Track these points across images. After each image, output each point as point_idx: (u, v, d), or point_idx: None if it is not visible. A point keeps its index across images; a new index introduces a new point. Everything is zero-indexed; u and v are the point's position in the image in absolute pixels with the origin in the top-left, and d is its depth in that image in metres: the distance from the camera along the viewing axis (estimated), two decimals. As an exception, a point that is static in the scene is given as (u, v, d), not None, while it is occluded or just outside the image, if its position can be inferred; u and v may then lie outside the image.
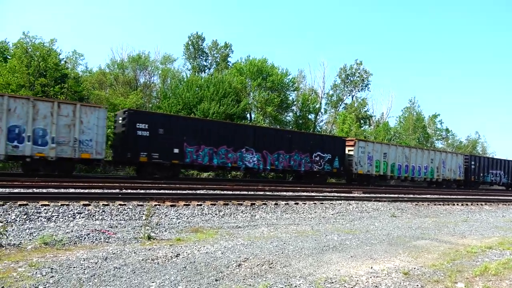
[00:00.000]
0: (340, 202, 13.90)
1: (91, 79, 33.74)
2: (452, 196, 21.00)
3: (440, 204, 16.60)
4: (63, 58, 29.39)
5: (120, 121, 17.99)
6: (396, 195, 18.53)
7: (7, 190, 10.30)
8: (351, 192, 18.33)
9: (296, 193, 15.86)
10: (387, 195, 17.83)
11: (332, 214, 11.95)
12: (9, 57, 27.74)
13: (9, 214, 7.69)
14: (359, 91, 50.27)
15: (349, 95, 50.29)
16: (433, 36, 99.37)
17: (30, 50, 25.55)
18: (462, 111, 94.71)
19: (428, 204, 16.19)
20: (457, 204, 17.34)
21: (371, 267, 5.46)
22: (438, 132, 53.44)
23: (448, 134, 54.27)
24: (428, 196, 20.18)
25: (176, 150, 18.48)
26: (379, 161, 26.66)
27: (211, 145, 19.76)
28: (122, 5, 78.41)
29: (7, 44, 30.37)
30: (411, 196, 19.46)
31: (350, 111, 45.01)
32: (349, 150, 25.43)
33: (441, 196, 20.54)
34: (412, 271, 5.33)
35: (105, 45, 79.87)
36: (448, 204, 16.97)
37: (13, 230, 6.62)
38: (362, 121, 47.14)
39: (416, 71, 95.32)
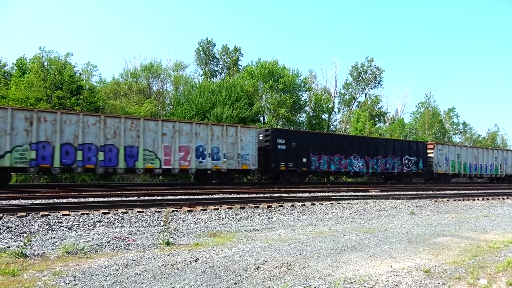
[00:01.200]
0: (357, 201, 13.79)
1: (106, 89, 34.35)
2: (472, 191, 20.59)
3: (460, 200, 16.29)
4: (78, 70, 30.07)
5: (261, 137, 21.76)
6: (414, 192, 18.27)
7: (29, 201, 10.57)
8: (368, 191, 18.16)
9: (312, 194, 15.80)
10: (405, 193, 17.59)
11: (349, 214, 11.86)
12: (27, 72, 28.47)
13: (32, 225, 7.90)
14: (371, 89, 49.86)
15: (362, 93, 49.92)
16: (446, 29, 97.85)
17: (46, 64, 26.19)
18: (478, 104, 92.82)
19: (448, 200, 15.91)
20: (478, 199, 16.98)
21: (391, 266, 5.41)
22: (455, 127, 52.50)
23: (466, 128, 53.27)
24: (447, 192, 19.83)
25: (304, 159, 22.35)
26: (454, 161, 30.67)
27: (328, 154, 23.53)
28: (132, 15, 79.70)
29: (24, 59, 31.19)
30: (430, 192, 19.16)
31: (363, 109, 44.61)
32: (429, 153, 29.20)
33: (461, 192, 20.15)
34: (433, 269, 5.26)
35: (118, 55, 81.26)
36: (469, 199, 16.64)
37: (36, 240, 6.79)
38: (376, 119, 46.66)
39: (430, 65, 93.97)
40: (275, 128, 24.06)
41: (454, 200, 16.07)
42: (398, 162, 26.98)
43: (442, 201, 15.63)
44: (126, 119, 17.23)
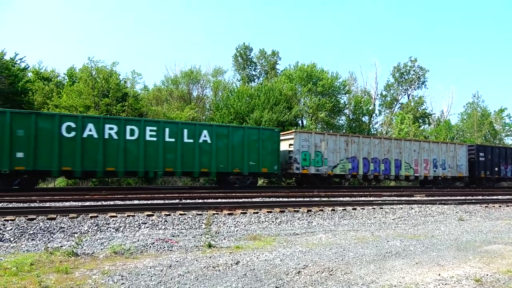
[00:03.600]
0: (401, 206, 13.32)
1: (148, 96, 35.63)
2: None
3: (514, 206, 15.28)
4: (123, 78, 31.44)
5: (468, 151, 27.17)
6: (463, 197, 17.36)
7: (80, 203, 11.16)
8: (412, 196, 17.49)
9: (353, 198, 15.47)
10: (452, 198, 16.77)
11: (393, 219, 11.48)
12: (76, 81, 30.16)
13: (82, 226, 8.32)
14: (415, 89, 48.15)
15: (405, 94, 48.32)
16: (493, 26, 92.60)
17: (94, 73, 27.63)
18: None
19: (500, 206, 14.98)
20: (535, 205, 15.83)
21: (439, 274, 5.18)
22: (507, 128, 49.41)
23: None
24: (499, 197, 18.68)
25: (496, 169, 27.83)
26: None
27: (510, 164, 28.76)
28: (172, 23, 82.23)
29: (74, 69, 33.08)
30: (480, 197, 18.12)
31: (406, 111, 43.12)
32: None
33: (515, 197, 18.89)
34: (484, 278, 4.98)
35: (160, 62, 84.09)
36: (524, 205, 15.56)
37: (86, 240, 7.15)
38: (420, 121, 44.95)
39: (477, 64, 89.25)
40: (479, 144, 30.40)
41: (507, 206, 15.11)
42: None
43: (493, 206, 14.74)
44: (394, 140, 24.34)
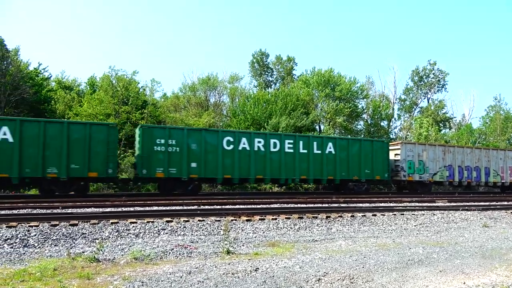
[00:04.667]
0: (422, 212, 13.03)
1: (167, 103, 36.08)
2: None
3: (541, 212, 14.72)
4: (142, 86, 31.97)
5: None
6: (487, 203, 16.85)
7: (100, 209, 11.34)
8: (434, 202, 17.10)
9: (373, 204, 15.22)
10: (476, 204, 16.30)
11: (414, 226, 11.24)
12: (97, 90, 30.83)
13: (103, 232, 8.45)
14: (435, 93, 47.21)
15: (424, 98, 47.42)
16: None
17: (114, 82, 28.18)
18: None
19: (527, 212, 14.45)
20: None
21: (464, 283, 5.02)
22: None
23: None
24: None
25: None
26: None
27: None
28: (190, 32, 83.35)
29: (95, 78, 33.85)
30: (505, 203, 17.54)
31: (426, 115, 42.31)
32: None
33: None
34: (513, 287, 4.80)
35: (177, 70, 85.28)
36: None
37: (107, 246, 7.25)
38: (441, 124, 44.02)
39: (498, 66, 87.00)
40: None
41: (535, 212, 14.57)
42: None
43: (520, 213, 14.25)
44: (484, 150, 26.00)
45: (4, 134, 14.81)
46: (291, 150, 19.68)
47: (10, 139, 14.83)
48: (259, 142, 19.03)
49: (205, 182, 18.95)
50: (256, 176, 18.89)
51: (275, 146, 19.37)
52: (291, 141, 19.82)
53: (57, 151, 15.47)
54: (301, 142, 20.01)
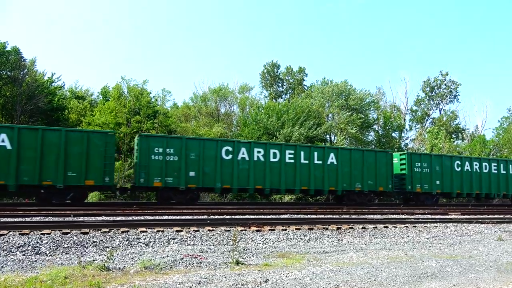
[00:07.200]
0: (435, 224, 12.81)
1: (177, 113, 36.40)
2: None
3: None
4: (153, 96, 32.35)
5: None
6: (501, 216, 16.50)
7: (111, 218, 11.41)
8: (447, 214, 16.80)
9: (384, 216, 15.02)
10: (490, 216, 15.97)
11: (427, 238, 11.04)
12: (109, 99, 31.31)
13: (114, 240, 8.48)
14: (447, 104, 46.81)
15: (436, 109, 47.04)
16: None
17: (126, 92, 28.59)
18: None
19: (544, 226, 14.10)
20: None
21: (479, 298, 4.90)
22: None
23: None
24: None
25: None
26: None
27: None
28: (202, 42, 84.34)
29: (107, 88, 34.40)
30: (521, 216, 17.15)
31: (438, 126, 41.89)
32: None
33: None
34: (530, 304, 4.67)
35: (188, 80, 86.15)
36: None
37: (117, 255, 7.27)
38: (453, 136, 43.50)
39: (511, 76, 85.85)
40: None
41: (552, 226, 14.21)
42: None
43: (536, 226, 13.91)
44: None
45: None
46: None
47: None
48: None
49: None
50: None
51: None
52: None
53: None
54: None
